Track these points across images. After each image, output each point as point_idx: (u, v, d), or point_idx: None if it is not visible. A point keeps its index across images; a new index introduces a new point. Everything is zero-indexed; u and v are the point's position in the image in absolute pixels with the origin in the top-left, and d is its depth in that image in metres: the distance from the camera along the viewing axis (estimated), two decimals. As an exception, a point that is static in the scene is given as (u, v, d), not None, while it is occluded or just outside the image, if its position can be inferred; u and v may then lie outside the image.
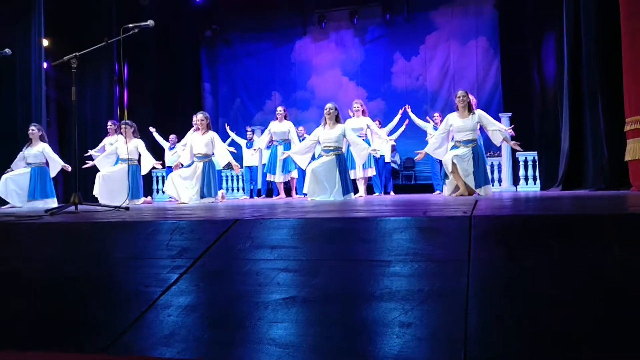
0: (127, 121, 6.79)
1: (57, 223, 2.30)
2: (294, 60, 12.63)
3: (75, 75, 3.47)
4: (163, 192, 10.54)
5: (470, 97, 5.80)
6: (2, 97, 8.27)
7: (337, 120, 5.81)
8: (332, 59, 12.34)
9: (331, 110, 5.77)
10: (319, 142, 5.82)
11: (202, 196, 6.02)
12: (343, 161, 5.71)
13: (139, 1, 10.53)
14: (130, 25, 3.64)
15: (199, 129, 6.33)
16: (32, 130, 6.79)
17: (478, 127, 5.48)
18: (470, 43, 11.43)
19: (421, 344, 1.19)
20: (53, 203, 6.64)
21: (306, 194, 5.75)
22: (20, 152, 6.83)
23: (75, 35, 8.93)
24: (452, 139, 5.67)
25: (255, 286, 1.49)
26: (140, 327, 1.40)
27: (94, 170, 6.87)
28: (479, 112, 5.54)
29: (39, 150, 6.75)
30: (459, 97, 5.50)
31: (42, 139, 6.84)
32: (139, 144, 6.65)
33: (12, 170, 6.74)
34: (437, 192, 7.71)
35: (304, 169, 6.45)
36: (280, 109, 7.60)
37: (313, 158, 6.32)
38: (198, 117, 6.34)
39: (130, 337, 1.36)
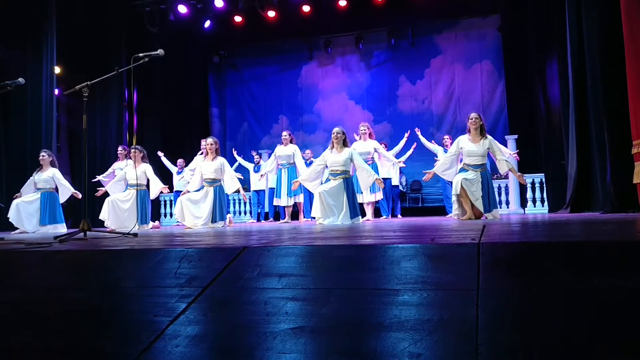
0: (137, 146, 6.87)
1: (65, 251, 2.31)
2: (300, 84, 12.78)
3: (86, 104, 3.53)
4: (171, 216, 10.57)
5: None
6: (13, 124, 8.42)
7: (345, 144, 5.85)
8: (339, 83, 12.48)
9: (338, 135, 5.82)
10: (327, 166, 5.85)
11: (213, 220, 6.05)
12: (350, 185, 5.72)
13: (148, 28, 10.75)
14: (141, 54, 3.71)
15: (207, 153, 6.39)
16: (43, 155, 6.87)
17: (488, 152, 5.47)
18: (474, 66, 11.53)
19: (431, 376, 1.17)
20: (62, 228, 6.68)
21: (314, 217, 5.75)
22: (30, 177, 6.90)
23: (86, 62, 9.13)
24: (461, 161, 5.67)
25: (264, 316, 1.49)
26: (148, 358, 1.39)
27: (103, 195, 6.92)
28: (489, 138, 5.53)
29: (49, 176, 6.82)
30: (472, 119, 5.47)
31: (52, 164, 6.91)
32: (147, 169, 6.71)
33: (21, 195, 6.80)
34: (450, 215, 7.66)
35: (313, 192, 6.48)
36: (285, 133, 7.66)
37: (321, 182, 6.34)
38: (208, 142, 6.41)
39: (139, 369, 1.36)
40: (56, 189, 6.91)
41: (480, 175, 5.28)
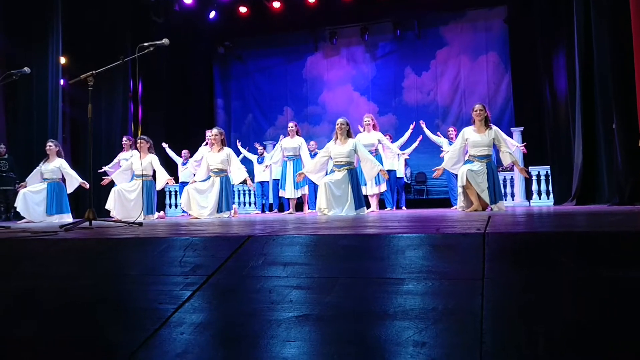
0: (144, 137, 6.86)
1: (71, 239, 2.32)
2: (305, 76, 12.74)
3: (92, 94, 3.53)
4: (176, 207, 10.60)
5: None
6: (19, 114, 8.44)
7: (349, 135, 5.84)
8: (344, 74, 12.43)
9: (342, 126, 5.80)
10: (331, 158, 5.84)
11: (219, 210, 6.06)
12: (355, 176, 5.70)
13: (154, 19, 10.72)
14: (146, 44, 3.70)
15: (213, 144, 6.39)
16: (50, 146, 6.87)
17: (493, 143, 5.43)
18: (480, 58, 11.45)
19: (436, 364, 1.17)
20: (69, 218, 6.71)
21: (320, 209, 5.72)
22: (37, 167, 6.92)
23: (92, 53, 9.12)
24: (466, 153, 5.64)
25: (268, 304, 1.49)
26: (153, 345, 1.40)
27: (109, 184, 6.93)
28: (495, 129, 5.49)
29: (56, 166, 6.82)
30: (476, 110, 5.44)
31: (59, 154, 6.92)
32: (153, 160, 6.71)
33: (27, 185, 6.82)
34: (455, 207, 7.62)
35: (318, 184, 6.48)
36: (291, 124, 7.63)
37: (326, 173, 6.33)
38: (213, 133, 6.40)
39: (143, 356, 1.36)
40: (63, 179, 6.92)
41: (485, 167, 5.26)
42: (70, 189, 6.91)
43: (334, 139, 5.87)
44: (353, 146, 5.73)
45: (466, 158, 5.53)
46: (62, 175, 6.91)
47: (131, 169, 6.87)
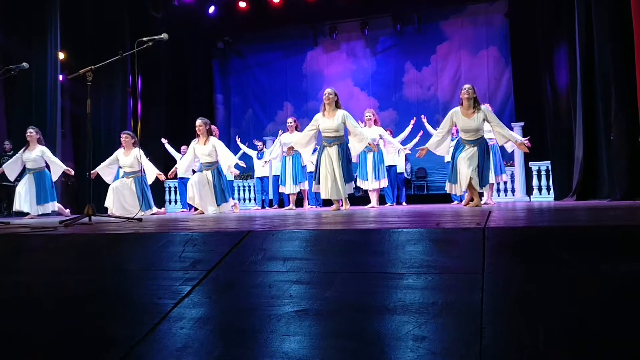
0: (128, 132, 6.73)
1: (70, 235, 2.32)
2: (305, 71, 12.71)
3: (90, 88, 3.51)
4: (176, 203, 10.60)
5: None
6: (18, 109, 8.42)
7: (337, 105, 5.60)
8: (344, 69, 12.40)
9: (330, 96, 5.54)
10: (320, 132, 5.70)
11: (218, 203, 6.02)
12: (346, 150, 5.54)
13: (152, 13, 10.68)
14: (145, 38, 3.68)
15: (199, 135, 6.22)
16: (30, 132, 6.66)
17: (484, 124, 5.24)
18: (481, 53, 11.42)
19: (436, 358, 1.17)
20: (54, 207, 6.67)
21: (319, 204, 5.68)
22: (16, 154, 6.77)
23: (90, 48, 9.10)
24: (457, 134, 5.54)
25: (268, 299, 1.48)
26: (152, 340, 1.39)
27: (102, 179, 6.85)
28: (484, 109, 5.25)
29: (38, 155, 6.68)
30: (464, 89, 5.22)
31: (39, 142, 6.76)
32: (138, 155, 6.54)
33: (3, 170, 6.68)
34: (455, 202, 7.60)
35: (308, 159, 6.36)
36: (290, 120, 7.62)
37: (315, 150, 6.22)
38: (197, 123, 6.14)
39: (142, 350, 1.36)
40: (47, 166, 6.83)
41: (477, 150, 5.09)
42: (54, 176, 6.79)
43: (321, 111, 5.62)
44: (342, 119, 5.48)
45: (457, 138, 5.41)
46: (46, 163, 6.82)
47: (117, 162, 6.74)
